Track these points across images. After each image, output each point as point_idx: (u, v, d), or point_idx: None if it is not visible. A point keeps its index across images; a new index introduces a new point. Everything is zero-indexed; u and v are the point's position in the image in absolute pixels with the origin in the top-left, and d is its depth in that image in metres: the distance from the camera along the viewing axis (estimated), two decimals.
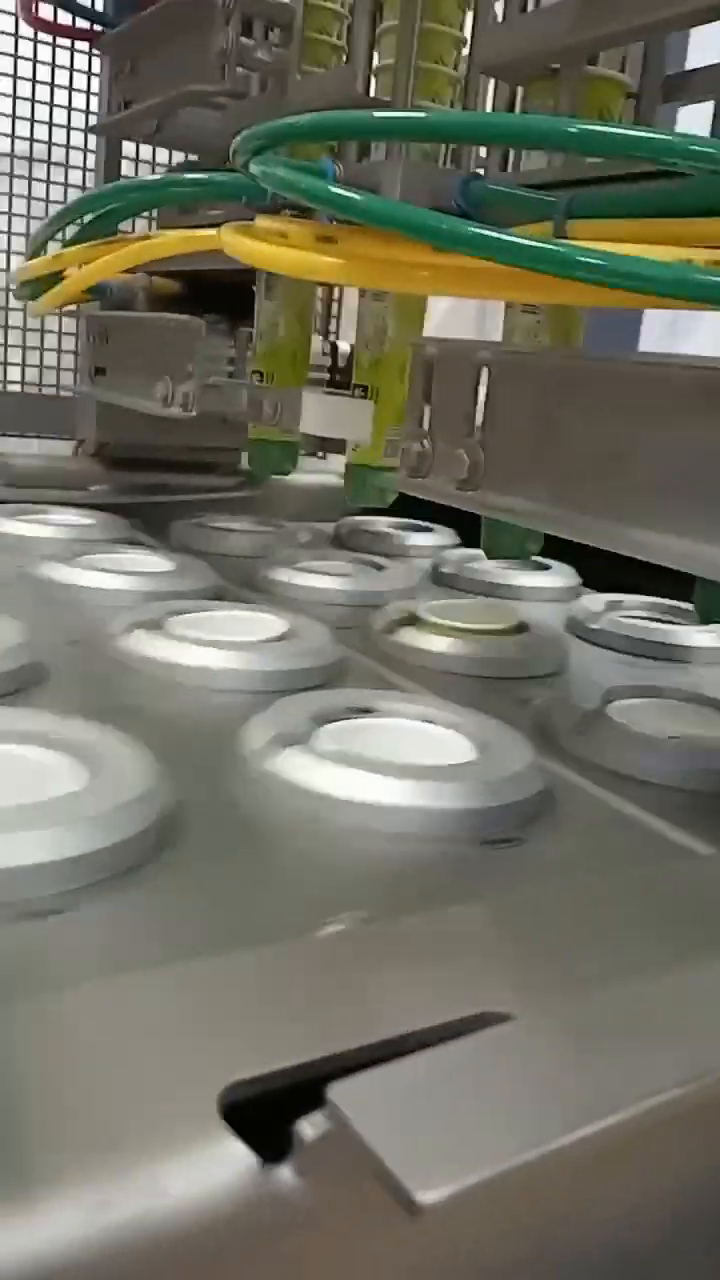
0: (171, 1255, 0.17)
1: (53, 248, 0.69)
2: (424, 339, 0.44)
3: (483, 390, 0.42)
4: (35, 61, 0.89)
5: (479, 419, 0.42)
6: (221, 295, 0.82)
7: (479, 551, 0.54)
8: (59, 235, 0.70)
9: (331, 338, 0.90)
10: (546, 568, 0.76)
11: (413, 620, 0.57)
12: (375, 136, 0.46)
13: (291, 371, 0.71)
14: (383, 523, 0.87)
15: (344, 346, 0.86)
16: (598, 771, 0.42)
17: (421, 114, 0.49)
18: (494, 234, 0.36)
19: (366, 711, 0.41)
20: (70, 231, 0.68)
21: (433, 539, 0.86)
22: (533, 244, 0.35)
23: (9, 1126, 0.18)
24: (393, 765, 0.35)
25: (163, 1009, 0.21)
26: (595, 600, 0.70)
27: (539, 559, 0.72)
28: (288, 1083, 0.20)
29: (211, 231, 0.53)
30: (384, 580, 0.69)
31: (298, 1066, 0.20)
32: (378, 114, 0.43)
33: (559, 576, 0.76)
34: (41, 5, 0.79)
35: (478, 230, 0.36)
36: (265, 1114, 0.20)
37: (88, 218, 0.66)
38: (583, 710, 0.45)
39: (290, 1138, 0.18)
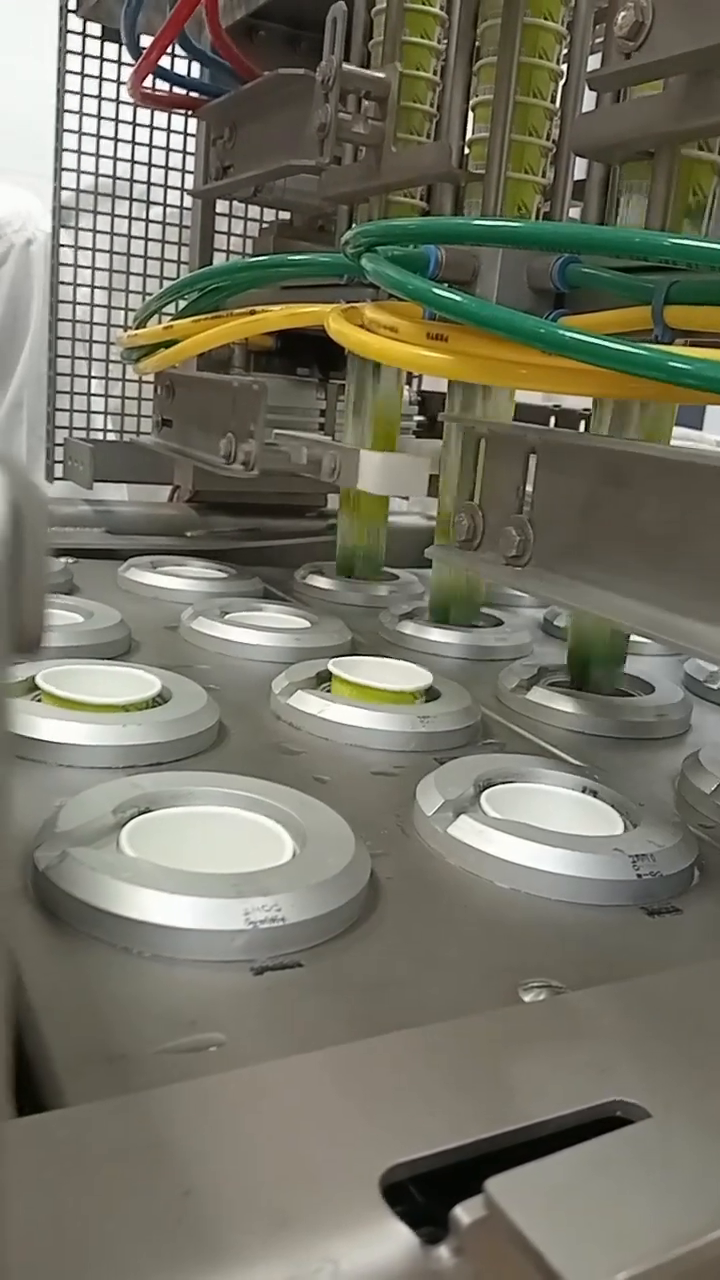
0: None
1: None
2: (476, 419, 0.46)
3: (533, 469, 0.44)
4: (135, 125, 0.93)
5: (528, 497, 0.44)
6: (313, 348, 0.85)
7: None
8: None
9: (417, 384, 0.92)
10: None
11: (539, 678, 0.59)
12: (478, 243, 0.47)
13: (383, 428, 0.73)
14: None
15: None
16: None
17: (521, 224, 0.51)
18: (588, 339, 0.38)
19: (521, 778, 0.43)
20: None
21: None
22: (626, 349, 0.37)
23: (199, 1204, 0.20)
24: (562, 835, 0.37)
25: (324, 1091, 0.23)
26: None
27: None
28: (440, 1165, 0.22)
29: (316, 308, 0.55)
30: (504, 635, 0.71)
31: (449, 1150, 0.22)
32: (479, 222, 0.45)
33: None
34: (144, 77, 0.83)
35: (573, 335, 0.38)
36: (414, 1186, 0.22)
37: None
38: (718, 777, 0.46)
39: (446, 1219, 0.21)
